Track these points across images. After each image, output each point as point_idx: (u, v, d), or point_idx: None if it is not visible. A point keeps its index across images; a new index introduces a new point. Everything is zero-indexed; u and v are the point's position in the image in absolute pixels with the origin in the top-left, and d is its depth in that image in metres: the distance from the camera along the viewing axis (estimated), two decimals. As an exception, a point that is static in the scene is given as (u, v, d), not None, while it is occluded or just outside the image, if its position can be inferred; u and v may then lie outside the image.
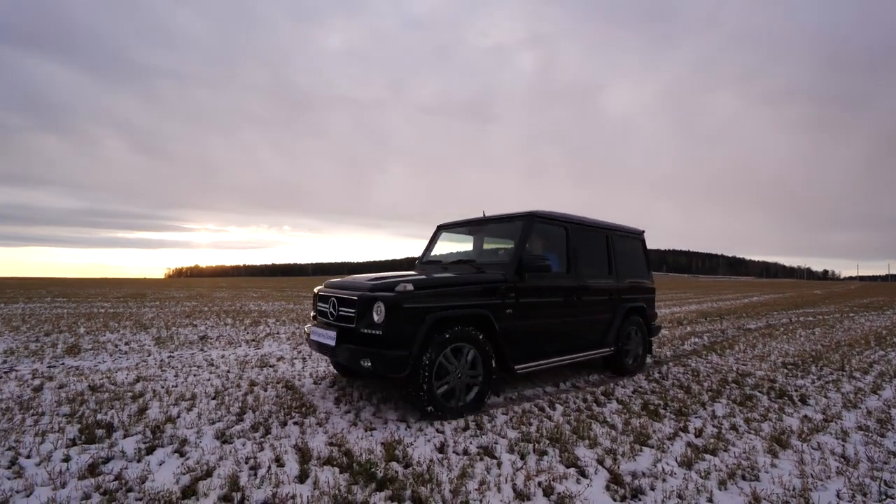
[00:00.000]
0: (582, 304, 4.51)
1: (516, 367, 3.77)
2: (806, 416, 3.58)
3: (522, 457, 2.70)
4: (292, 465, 2.49)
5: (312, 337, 3.79)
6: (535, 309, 4.01)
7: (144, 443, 2.79)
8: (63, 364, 5.16)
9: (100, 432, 2.93)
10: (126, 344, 6.60)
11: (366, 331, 3.29)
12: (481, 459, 2.64)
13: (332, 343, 3.45)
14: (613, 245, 5.13)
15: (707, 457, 2.75)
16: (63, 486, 2.21)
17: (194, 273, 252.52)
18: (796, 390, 4.39)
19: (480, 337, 3.48)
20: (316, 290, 4.18)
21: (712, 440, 3.01)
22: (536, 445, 2.86)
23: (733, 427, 3.30)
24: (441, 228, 5.18)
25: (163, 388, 4.11)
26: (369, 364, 3.15)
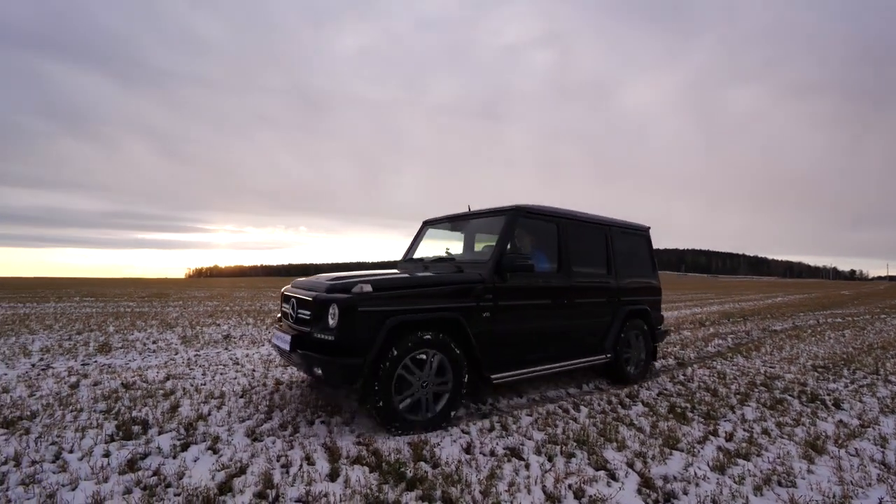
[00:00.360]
0: (574, 307, 4.17)
1: (493, 376, 3.43)
2: (841, 421, 3.48)
3: (550, 459, 2.69)
4: (322, 464, 2.53)
5: (273, 340, 3.53)
6: (517, 312, 3.70)
7: (179, 439, 2.86)
8: (96, 361, 5.33)
9: (136, 429, 3.02)
10: (154, 342, 6.77)
11: (319, 336, 3.03)
12: (509, 461, 2.64)
13: (287, 347, 3.17)
14: (613, 242, 4.74)
15: (740, 461, 2.69)
16: (105, 480, 2.29)
17: (214, 273, 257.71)
18: (829, 394, 4.27)
19: (451, 343, 3.19)
20: (283, 289, 3.92)
21: (744, 444, 2.95)
22: (564, 447, 2.84)
23: (765, 431, 3.23)
24: (427, 224, 4.85)
25: (192, 385, 4.21)
26: (321, 372, 2.92)
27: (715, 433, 3.17)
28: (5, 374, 4.58)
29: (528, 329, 3.81)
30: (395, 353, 2.97)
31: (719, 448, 2.88)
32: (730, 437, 3.09)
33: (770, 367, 5.53)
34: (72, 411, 3.39)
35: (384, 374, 2.93)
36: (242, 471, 2.41)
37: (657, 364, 5.63)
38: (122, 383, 4.26)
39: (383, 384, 2.93)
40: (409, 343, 3.03)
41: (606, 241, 4.70)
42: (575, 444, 2.91)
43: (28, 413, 3.31)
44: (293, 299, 3.47)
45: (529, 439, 2.99)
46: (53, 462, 2.51)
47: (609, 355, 4.42)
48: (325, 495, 2.18)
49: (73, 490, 2.17)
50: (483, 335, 3.45)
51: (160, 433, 2.97)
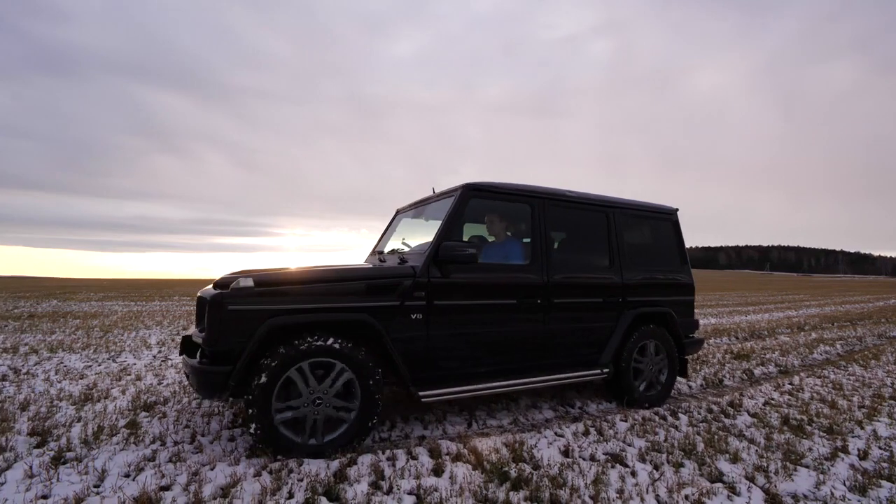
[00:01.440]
0: (554, 309, 3.41)
1: (423, 393, 2.83)
2: None
3: (656, 467, 2.57)
4: (425, 459, 2.61)
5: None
6: (464, 314, 3.08)
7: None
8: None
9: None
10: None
11: (196, 339, 2.76)
12: (613, 467, 2.57)
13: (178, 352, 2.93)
14: (617, 228, 3.86)
15: (884, 483, 2.41)
16: (237, 462, 2.53)
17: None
18: (981, 411, 3.70)
19: (360, 353, 2.67)
20: None
21: (885, 464, 2.64)
22: (669, 456, 2.71)
23: (906, 451, 2.86)
24: (399, 212, 4.32)
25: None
26: (189, 380, 2.63)
27: (844, 450, 2.86)
28: (135, 364, 5.21)
29: (481, 335, 3.16)
30: (276, 362, 2.48)
31: (852, 466, 2.60)
32: (864, 456, 2.77)
33: (897, 378, 4.89)
34: (195, 399, 3.78)
35: (260, 387, 2.45)
36: (353, 462, 2.55)
37: (695, 383, 4.77)
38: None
39: (258, 400, 2.45)
40: (297, 350, 2.52)
41: (608, 227, 3.83)
42: (681, 453, 2.76)
43: (161, 399, 3.74)
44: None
45: (630, 446, 2.88)
46: (191, 443, 2.82)
47: (607, 370, 3.60)
48: (436, 490, 2.25)
49: (213, 470, 2.41)
50: (412, 342, 2.89)
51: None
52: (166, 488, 2.20)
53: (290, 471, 2.43)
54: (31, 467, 2.37)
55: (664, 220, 4.28)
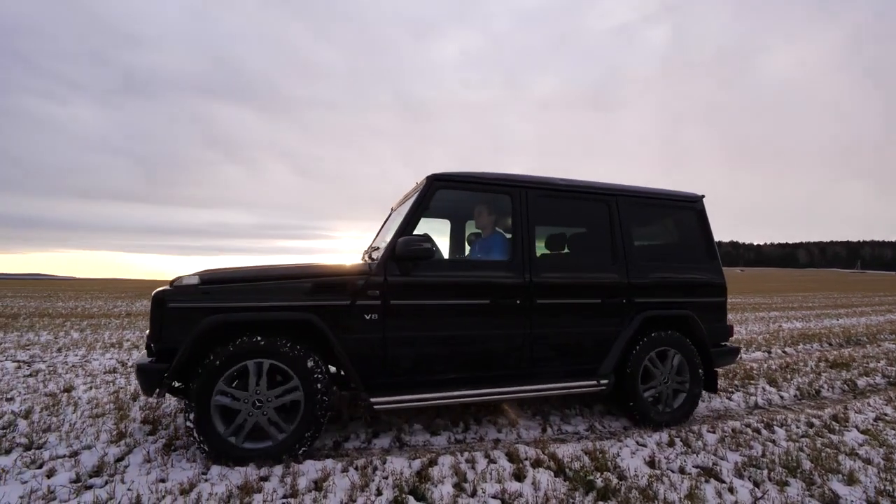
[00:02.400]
0: (538, 311, 3.07)
1: (375, 399, 2.66)
2: None
3: (757, 484, 2.39)
4: (504, 463, 2.59)
5: None
6: (426, 315, 2.86)
7: (369, 428, 3.19)
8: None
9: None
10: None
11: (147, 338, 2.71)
12: (707, 481, 2.41)
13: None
14: (621, 220, 3.41)
15: None
16: (325, 457, 2.65)
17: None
18: None
19: (302, 354, 2.55)
20: None
21: None
22: (771, 473, 2.50)
23: None
24: (393, 210, 4.02)
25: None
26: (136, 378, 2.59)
27: None
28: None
29: (447, 339, 2.90)
30: (217, 362, 2.43)
31: None
32: None
33: None
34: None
35: (198, 387, 2.40)
36: (433, 462, 2.59)
37: (787, 394, 4.19)
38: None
39: (197, 401, 2.40)
40: (237, 350, 2.46)
41: (610, 219, 3.40)
42: (785, 470, 2.54)
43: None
44: None
45: (723, 459, 2.69)
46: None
47: (606, 381, 3.17)
48: (521, 495, 2.22)
49: (302, 464, 2.54)
50: (365, 344, 2.72)
51: (351, 419, 3.35)
52: (265, 479, 2.35)
53: (375, 468, 2.51)
54: (148, 452, 2.62)
55: (685, 210, 3.69)
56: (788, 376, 4.97)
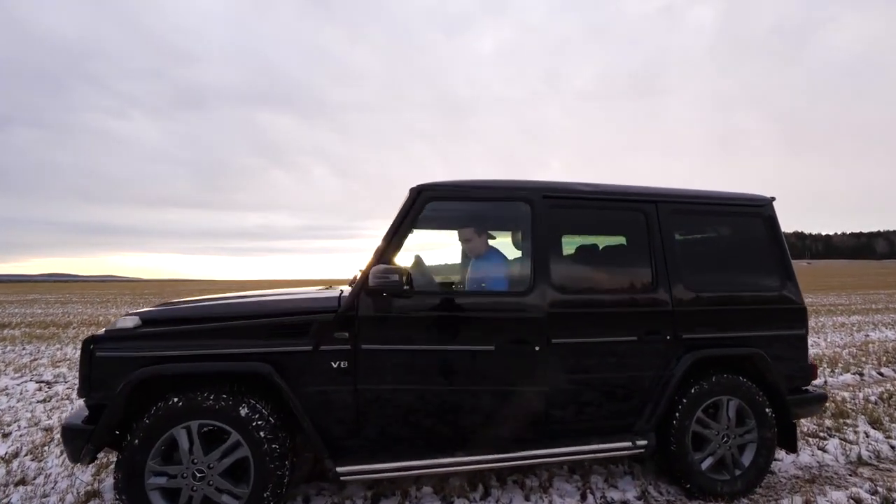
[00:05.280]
0: (554, 353, 2.44)
1: (342, 469, 2.17)
2: None
3: None
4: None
5: None
6: (403, 363, 2.32)
7: (370, 490, 2.70)
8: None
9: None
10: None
11: None
12: None
13: None
14: (663, 233, 2.71)
15: None
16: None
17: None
18: None
19: (234, 406, 2.09)
20: None
21: None
22: None
23: None
24: None
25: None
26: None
27: None
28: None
29: (434, 393, 2.35)
30: (136, 441, 2.01)
31: None
32: None
33: None
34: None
35: (125, 474, 2.01)
36: None
37: (809, 459, 3.04)
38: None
39: (128, 494, 2.00)
40: (157, 419, 2.03)
41: (649, 231, 2.71)
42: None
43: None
44: None
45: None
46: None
47: (644, 442, 2.50)
48: None
49: None
50: (332, 400, 2.24)
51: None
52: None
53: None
54: None
55: (748, 217, 2.93)
56: (894, 412, 4.03)
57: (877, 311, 12.76)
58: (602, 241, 3.04)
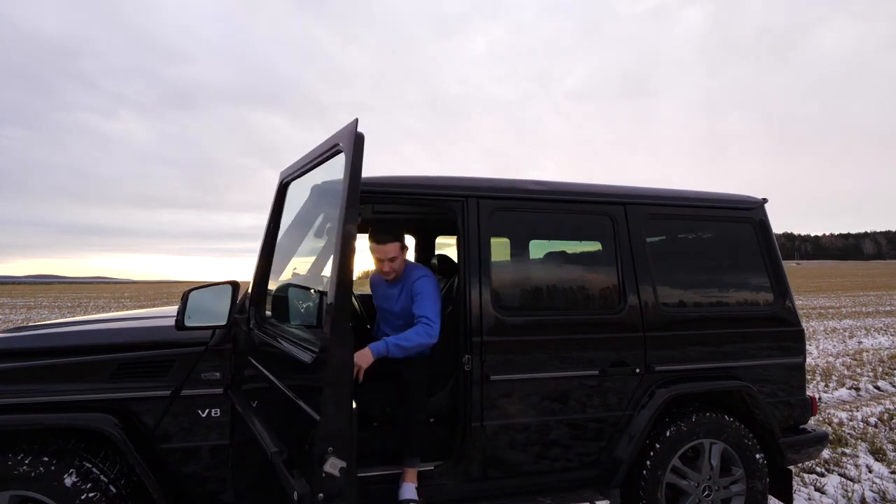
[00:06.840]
0: (490, 393, 1.96)
1: None
2: None
3: None
4: None
5: None
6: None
7: None
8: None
9: None
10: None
11: None
12: None
13: None
14: (633, 240, 2.24)
15: None
16: None
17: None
18: None
19: (56, 474, 1.59)
20: None
21: None
22: None
23: None
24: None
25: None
26: None
27: None
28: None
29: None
30: None
31: None
32: None
33: None
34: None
35: None
36: None
37: None
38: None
39: None
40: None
41: (616, 239, 2.23)
42: None
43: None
44: None
45: None
46: None
47: (607, 502, 2.03)
48: None
49: None
50: (199, 459, 1.79)
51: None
52: None
53: None
54: None
55: (736, 222, 2.47)
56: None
57: (867, 314, 12.45)
58: (558, 249, 2.45)
